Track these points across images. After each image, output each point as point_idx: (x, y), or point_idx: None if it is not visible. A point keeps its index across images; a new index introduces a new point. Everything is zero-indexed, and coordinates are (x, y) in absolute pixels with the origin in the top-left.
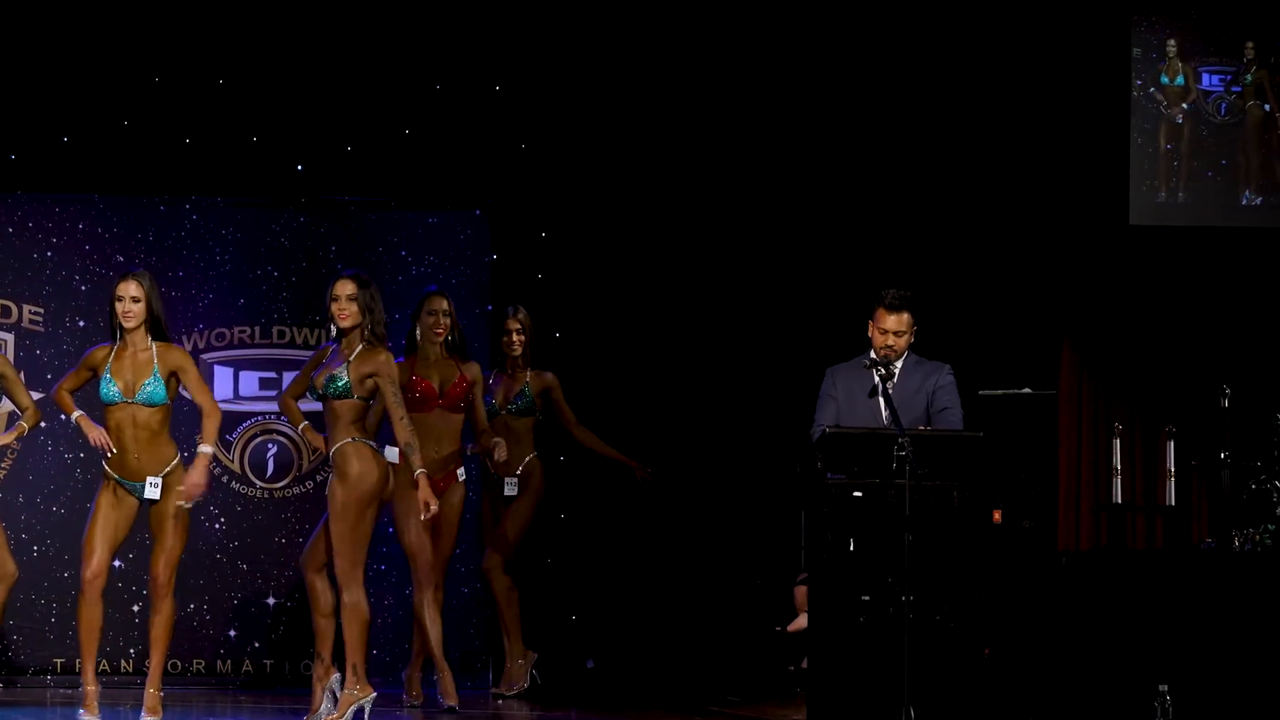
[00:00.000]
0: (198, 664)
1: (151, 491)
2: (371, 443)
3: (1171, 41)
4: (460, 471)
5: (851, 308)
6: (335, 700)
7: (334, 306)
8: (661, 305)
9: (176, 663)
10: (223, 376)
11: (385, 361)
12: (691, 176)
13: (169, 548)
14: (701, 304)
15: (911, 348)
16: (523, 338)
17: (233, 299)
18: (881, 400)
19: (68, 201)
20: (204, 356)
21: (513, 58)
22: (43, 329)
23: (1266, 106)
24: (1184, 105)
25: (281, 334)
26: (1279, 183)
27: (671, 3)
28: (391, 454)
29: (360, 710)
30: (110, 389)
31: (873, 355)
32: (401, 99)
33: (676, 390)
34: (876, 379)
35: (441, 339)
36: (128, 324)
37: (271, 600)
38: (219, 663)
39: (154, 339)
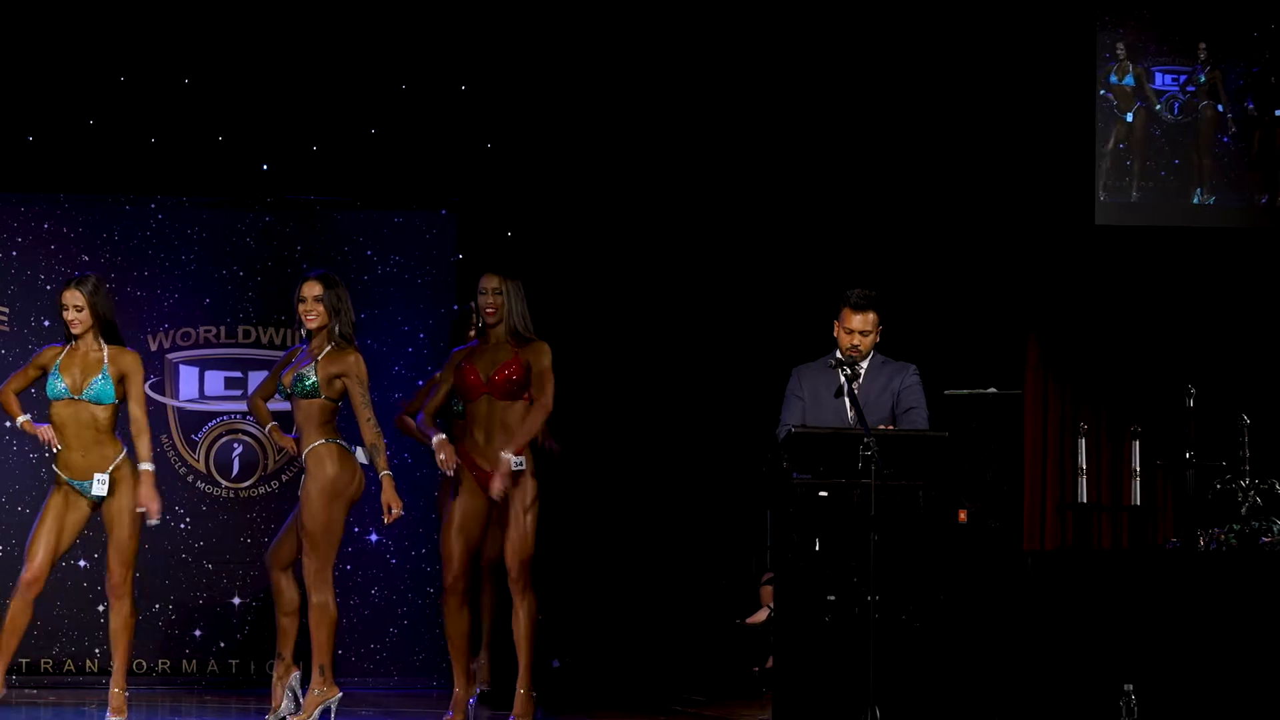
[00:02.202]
0: (163, 664)
1: (99, 488)
2: (344, 443)
3: (1120, 44)
4: (515, 461)
5: (818, 307)
6: (295, 699)
7: (300, 308)
8: (628, 305)
9: (141, 662)
10: (188, 376)
11: (354, 362)
12: (658, 177)
13: (122, 546)
14: (668, 304)
15: (878, 347)
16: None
17: (198, 298)
18: (847, 400)
19: (33, 201)
20: (169, 356)
21: (479, 58)
22: (8, 328)
23: (1220, 106)
24: (1135, 105)
25: (247, 333)
26: (1232, 182)
27: (639, 4)
28: (362, 455)
29: (327, 711)
30: (57, 385)
31: (838, 355)
32: (367, 98)
33: (642, 389)
34: (842, 379)
35: (495, 320)
36: (75, 330)
37: (237, 600)
38: (184, 663)
39: (106, 341)
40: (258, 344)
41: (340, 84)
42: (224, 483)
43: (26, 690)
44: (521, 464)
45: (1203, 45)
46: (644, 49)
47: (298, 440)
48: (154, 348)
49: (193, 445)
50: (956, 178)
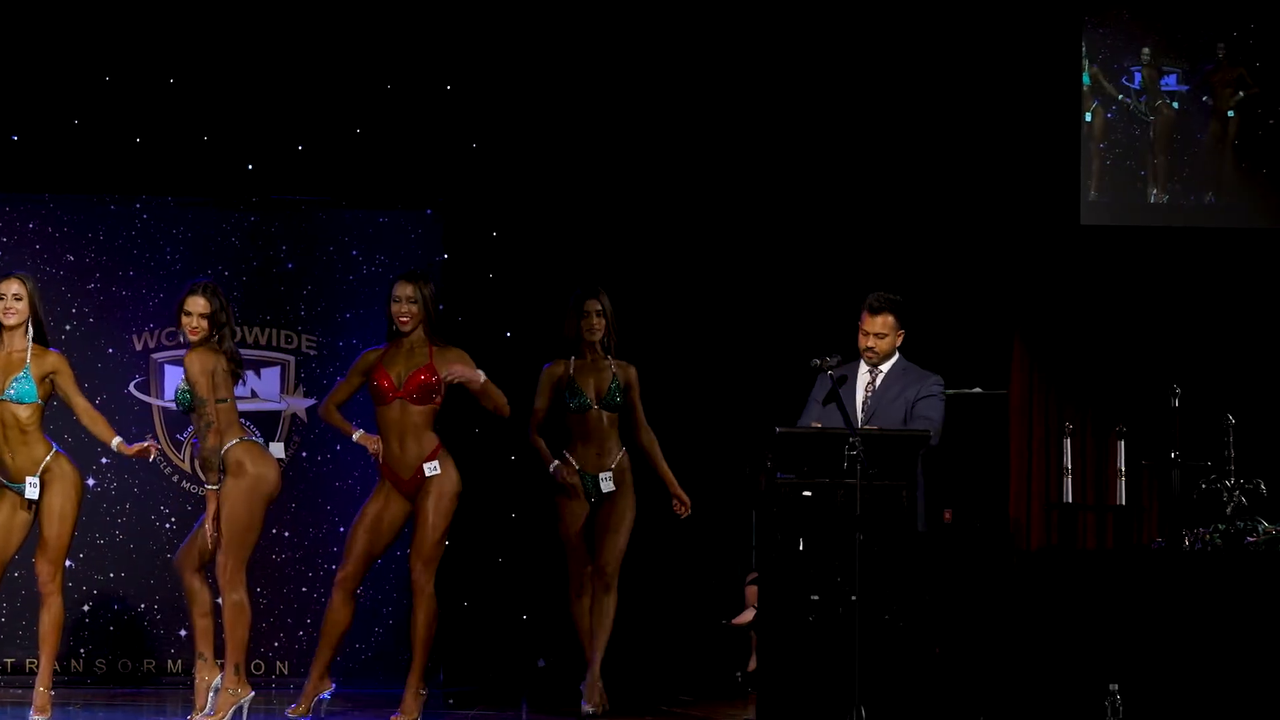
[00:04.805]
0: (148, 664)
1: (31, 491)
2: (260, 440)
3: (1083, 43)
4: (429, 466)
5: (804, 306)
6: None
7: (185, 320)
8: (612, 305)
9: (127, 662)
10: (174, 376)
11: (197, 356)
12: (644, 177)
13: (51, 546)
14: (652, 304)
15: (903, 352)
16: (603, 320)
17: None
18: (857, 401)
19: (18, 201)
20: (155, 356)
21: (464, 58)
22: None
23: (1175, 105)
24: (1094, 103)
25: (232, 333)
26: (1210, 181)
27: (623, 4)
28: (277, 450)
29: (239, 710)
30: None
31: (825, 358)
32: (352, 98)
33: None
34: (829, 383)
35: (409, 328)
36: (8, 321)
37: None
38: (170, 662)
39: (33, 341)
40: (243, 344)
41: (325, 84)
42: None
43: (13, 690)
44: (436, 469)
45: (1145, 50)
46: (629, 49)
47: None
48: (139, 347)
49: (178, 445)
50: (942, 178)
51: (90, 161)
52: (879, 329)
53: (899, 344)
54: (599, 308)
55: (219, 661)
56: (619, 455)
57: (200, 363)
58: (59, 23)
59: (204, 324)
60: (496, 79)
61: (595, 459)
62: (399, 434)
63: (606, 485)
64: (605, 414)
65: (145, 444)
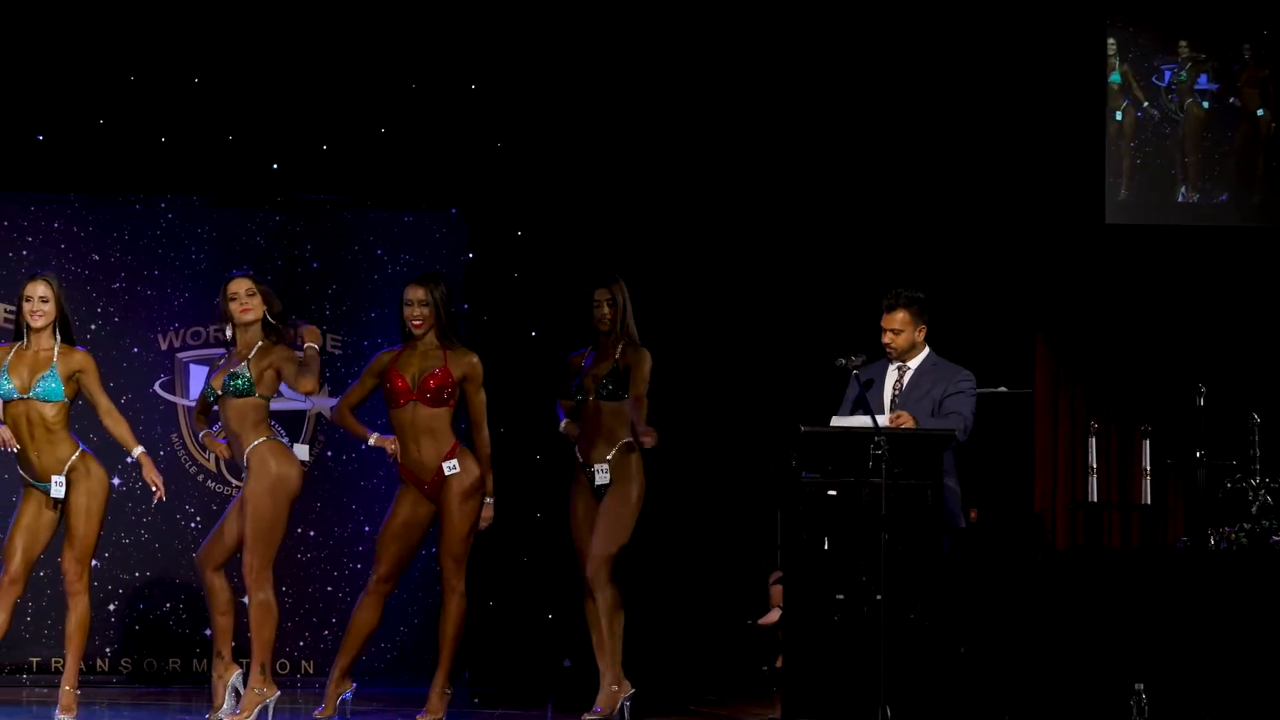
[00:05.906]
0: (174, 663)
1: (57, 490)
2: (285, 439)
3: (1111, 40)
4: (448, 465)
5: (824, 306)
6: (237, 697)
7: (233, 305)
8: (638, 303)
9: (152, 661)
10: (198, 375)
11: (280, 350)
12: (667, 175)
13: (78, 544)
14: (678, 302)
15: (934, 348)
16: (614, 310)
17: (208, 298)
18: (885, 398)
19: (44, 201)
20: (180, 355)
21: (489, 57)
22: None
23: (1205, 104)
24: (1124, 102)
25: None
26: (1237, 180)
27: (645, 3)
28: (301, 451)
29: (265, 709)
30: (6, 385)
31: (853, 357)
32: (377, 98)
33: (651, 389)
34: (858, 387)
35: (421, 331)
36: (35, 323)
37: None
38: (195, 661)
39: (60, 340)
40: None
41: (350, 83)
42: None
43: (38, 690)
44: (455, 467)
45: (1183, 43)
46: (653, 48)
47: (234, 442)
48: (164, 347)
49: (203, 444)
50: (967, 177)
51: (115, 161)
52: (895, 325)
53: (922, 338)
54: (609, 296)
55: (242, 662)
56: (616, 448)
57: (293, 358)
58: (84, 23)
59: (253, 300)
60: (521, 78)
61: (590, 451)
62: (414, 436)
63: (600, 478)
64: (601, 405)
65: (158, 483)
